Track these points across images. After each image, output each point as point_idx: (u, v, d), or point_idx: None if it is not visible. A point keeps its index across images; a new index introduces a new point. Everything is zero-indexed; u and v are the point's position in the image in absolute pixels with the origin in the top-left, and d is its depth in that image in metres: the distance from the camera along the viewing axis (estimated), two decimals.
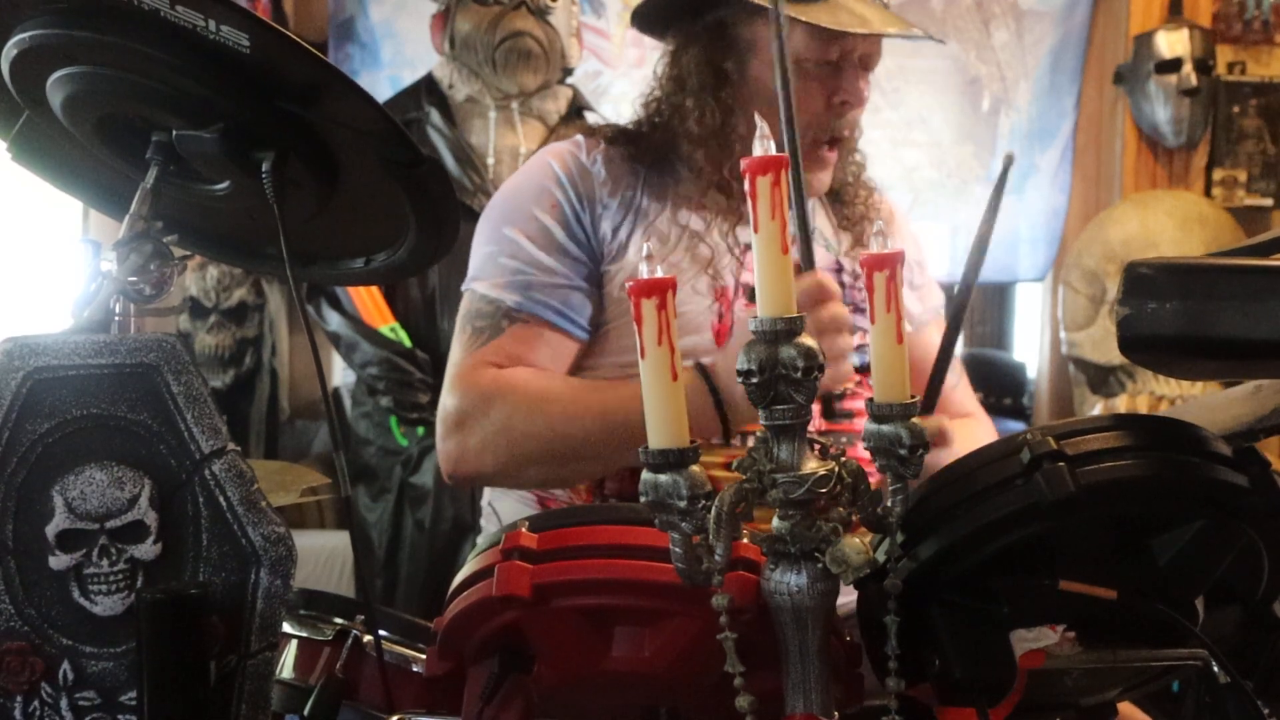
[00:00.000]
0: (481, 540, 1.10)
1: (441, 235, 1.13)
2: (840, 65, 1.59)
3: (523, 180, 1.68)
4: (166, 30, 0.94)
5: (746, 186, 0.88)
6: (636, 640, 0.99)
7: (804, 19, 1.51)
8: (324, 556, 3.23)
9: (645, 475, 0.88)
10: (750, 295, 1.61)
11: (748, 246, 1.63)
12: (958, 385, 1.81)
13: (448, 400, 1.58)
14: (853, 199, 1.75)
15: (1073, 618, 0.98)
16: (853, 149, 1.74)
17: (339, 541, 3.32)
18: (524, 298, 1.59)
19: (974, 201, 3.98)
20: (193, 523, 0.93)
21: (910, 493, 0.92)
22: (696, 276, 1.59)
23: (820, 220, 1.73)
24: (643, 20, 1.71)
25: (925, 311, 1.81)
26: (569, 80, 3.15)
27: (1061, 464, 0.94)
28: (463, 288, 1.65)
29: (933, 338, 1.79)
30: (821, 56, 1.57)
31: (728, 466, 1.54)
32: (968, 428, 1.77)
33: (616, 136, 1.69)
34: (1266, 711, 0.97)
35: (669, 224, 1.63)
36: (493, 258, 1.62)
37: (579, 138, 1.69)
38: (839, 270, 1.70)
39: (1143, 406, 3.61)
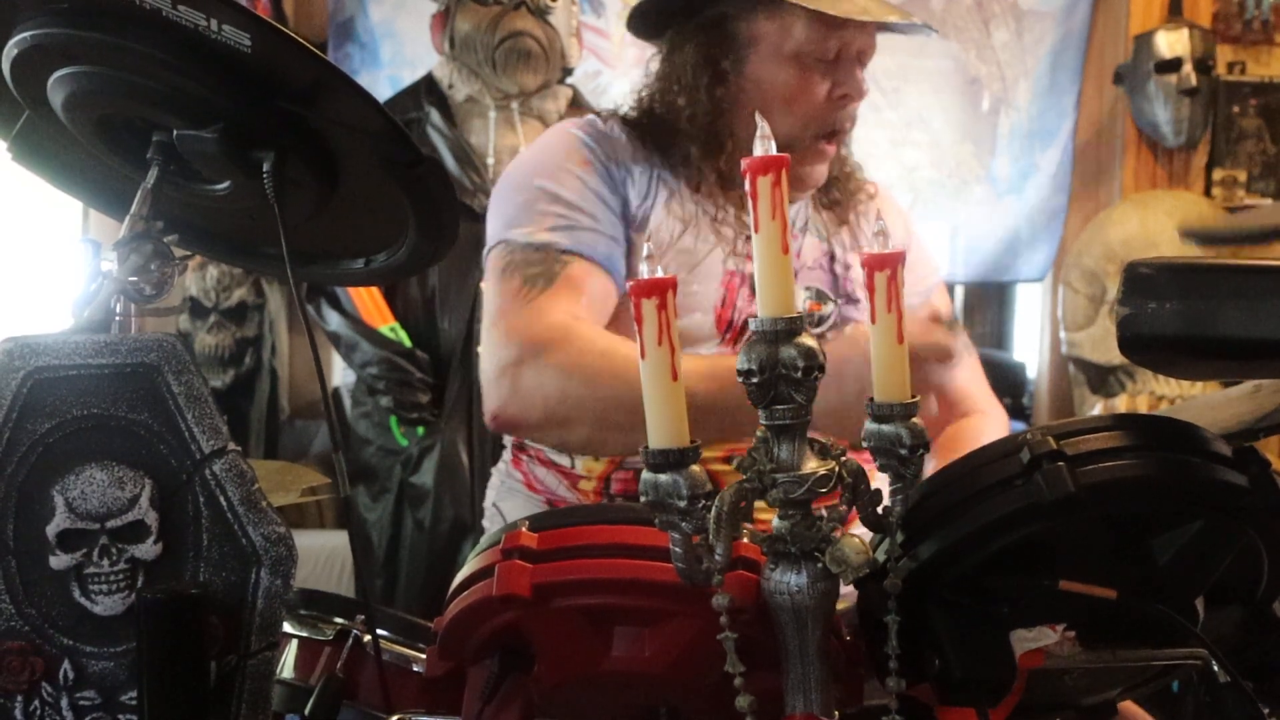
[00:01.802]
0: (482, 540, 1.10)
1: (441, 235, 1.13)
2: (839, 58, 1.59)
3: (544, 147, 1.66)
4: (167, 30, 0.94)
5: (747, 187, 0.88)
6: (636, 640, 0.99)
7: (809, 5, 1.52)
8: (324, 556, 3.23)
9: (645, 475, 0.88)
10: (754, 288, 1.62)
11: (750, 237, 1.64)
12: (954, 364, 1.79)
13: (501, 347, 1.52)
14: (842, 183, 1.76)
15: (1073, 618, 0.98)
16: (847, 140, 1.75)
17: (339, 541, 3.32)
18: (574, 241, 1.55)
19: (974, 201, 3.98)
20: (193, 523, 0.93)
21: (910, 492, 0.92)
22: (707, 256, 1.59)
23: (811, 211, 1.73)
24: (639, 23, 1.71)
25: (911, 295, 1.78)
26: (569, 80, 3.15)
27: (1061, 464, 0.94)
28: (493, 242, 1.60)
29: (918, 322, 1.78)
30: (821, 49, 1.58)
31: (727, 460, 1.54)
32: (973, 429, 1.75)
33: (625, 119, 1.69)
34: (1266, 711, 0.97)
35: (685, 202, 1.62)
36: (529, 205, 1.58)
37: (590, 116, 1.69)
38: (831, 259, 1.70)
39: (1143, 406, 3.61)
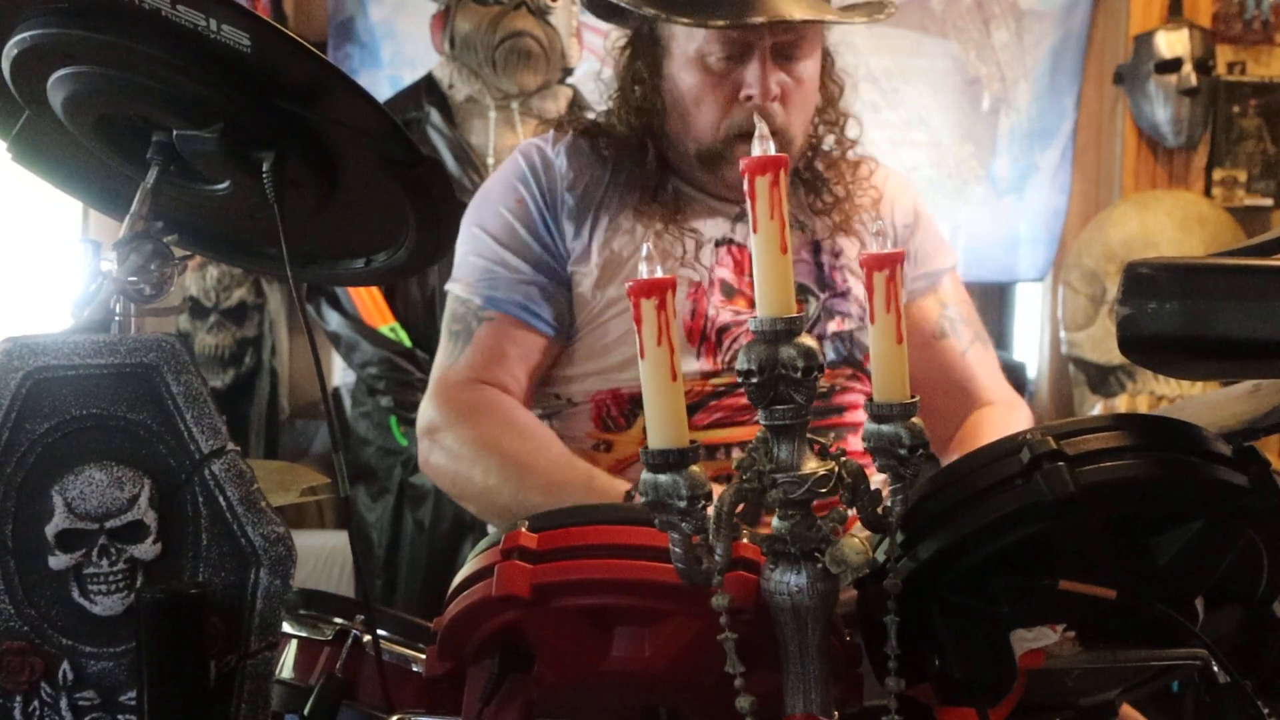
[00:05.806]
0: (482, 540, 1.10)
1: (441, 235, 1.13)
2: (747, 59, 1.55)
3: (495, 179, 1.71)
4: (167, 30, 0.94)
5: (745, 187, 0.88)
6: (636, 640, 0.99)
7: (682, 22, 1.51)
8: (324, 556, 3.23)
9: (645, 475, 0.88)
10: (725, 291, 1.60)
11: (719, 241, 1.62)
12: (967, 353, 1.73)
13: (426, 406, 1.63)
14: (836, 179, 1.71)
15: (1073, 618, 0.98)
16: (820, 133, 1.70)
17: (339, 541, 3.32)
18: (489, 295, 1.61)
19: (974, 201, 3.98)
20: (192, 523, 0.93)
21: (910, 493, 0.92)
22: (670, 272, 1.58)
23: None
24: (593, 6, 1.70)
25: (917, 279, 1.72)
26: (569, 80, 3.14)
27: (1061, 464, 0.94)
28: (445, 288, 1.68)
29: (926, 310, 1.72)
30: (724, 51, 1.55)
31: (715, 480, 1.52)
32: (995, 419, 1.68)
33: (587, 128, 1.69)
34: (1266, 711, 0.97)
35: (634, 219, 1.61)
36: (465, 257, 1.65)
37: (549, 132, 1.70)
38: (817, 250, 1.67)
39: (1143, 406, 3.61)
